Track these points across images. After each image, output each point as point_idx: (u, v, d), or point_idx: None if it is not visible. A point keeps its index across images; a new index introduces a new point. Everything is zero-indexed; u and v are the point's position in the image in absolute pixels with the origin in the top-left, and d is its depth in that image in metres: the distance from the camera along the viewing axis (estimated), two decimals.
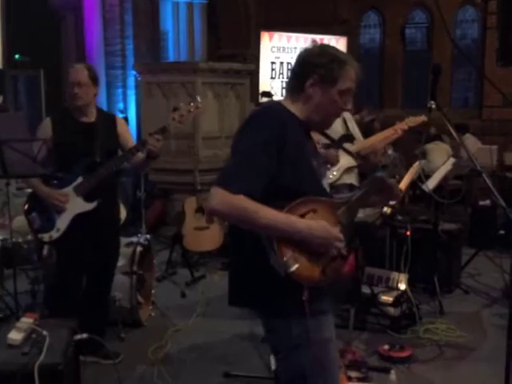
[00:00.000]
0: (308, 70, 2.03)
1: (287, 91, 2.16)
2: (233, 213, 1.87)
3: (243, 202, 1.85)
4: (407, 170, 4.15)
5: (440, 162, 5.64)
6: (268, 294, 1.98)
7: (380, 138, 4.40)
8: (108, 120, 3.75)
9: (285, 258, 1.88)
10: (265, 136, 1.93)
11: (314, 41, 2.20)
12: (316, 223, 1.93)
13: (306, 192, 1.97)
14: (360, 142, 4.51)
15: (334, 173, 4.35)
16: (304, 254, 1.91)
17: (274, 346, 2.12)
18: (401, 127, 4.29)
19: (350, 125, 4.39)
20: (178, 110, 3.60)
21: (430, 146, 8.12)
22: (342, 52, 2.12)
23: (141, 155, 3.60)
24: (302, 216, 1.94)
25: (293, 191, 1.95)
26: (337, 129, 4.33)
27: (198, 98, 3.70)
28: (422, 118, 4.25)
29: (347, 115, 4.51)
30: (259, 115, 2.04)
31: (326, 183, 2.16)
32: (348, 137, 4.36)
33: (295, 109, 2.08)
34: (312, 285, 1.94)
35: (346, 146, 4.48)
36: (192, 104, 3.64)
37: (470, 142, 8.83)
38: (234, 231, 2.09)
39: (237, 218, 1.89)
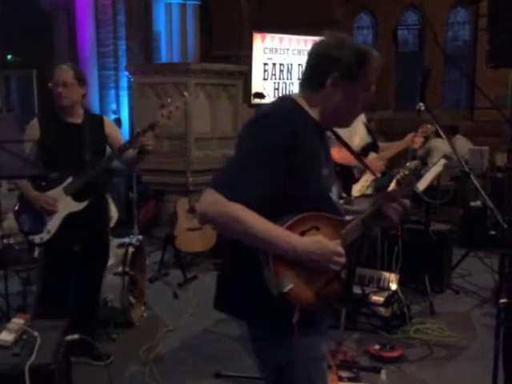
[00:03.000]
0: (328, 66, 1.84)
1: (302, 87, 1.93)
2: (223, 220, 1.70)
3: (237, 211, 1.68)
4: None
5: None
6: (258, 309, 1.84)
7: (401, 147, 4.42)
8: (95, 121, 3.74)
9: (279, 277, 1.71)
10: (273, 141, 1.74)
11: (327, 32, 1.93)
12: (310, 239, 1.75)
13: (311, 205, 1.80)
14: (386, 150, 4.49)
15: (365, 182, 4.33)
16: (300, 275, 1.75)
17: (260, 357, 2.01)
18: (417, 140, 4.31)
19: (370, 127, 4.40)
20: (165, 106, 3.58)
21: (434, 144, 8.18)
22: (360, 44, 1.94)
23: (132, 152, 3.59)
24: (303, 233, 1.76)
25: (297, 204, 1.78)
26: (363, 135, 4.35)
27: (186, 94, 3.68)
28: (432, 128, 4.29)
29: (364, 118, 4.49)
30: (270, 115, 1.82)
31: (335, 194, 1.96)
32: (373, 145, 4.36)
33: (311, 107, 1.89)
34: (304, 307, 1.78)
35: (372, 155, 4.47)
36: (180, 100, 3.60)
37: (461, 143, 8.88)
38: (231, 240, 1.88)
39: (226, 226, 1.72)
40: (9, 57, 9.79)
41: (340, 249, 1.78)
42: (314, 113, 1.89)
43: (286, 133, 1.76)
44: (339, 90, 1.85)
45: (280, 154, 1.74)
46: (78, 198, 3.57)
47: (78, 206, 3.58)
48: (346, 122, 2.00)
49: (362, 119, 4.40)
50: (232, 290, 1.91)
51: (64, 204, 3.54)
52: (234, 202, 1.68)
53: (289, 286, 1.71)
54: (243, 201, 1.69)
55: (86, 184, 3.53)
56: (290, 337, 1.78)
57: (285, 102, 1.92)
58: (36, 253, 4.03)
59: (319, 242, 1.75)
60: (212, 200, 1.70)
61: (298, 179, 1.78)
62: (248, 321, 1.95)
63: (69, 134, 3.58)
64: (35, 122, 3.63)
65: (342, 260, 1.78)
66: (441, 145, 8.06)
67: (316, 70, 1.87)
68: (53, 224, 3.53)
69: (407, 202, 1.99)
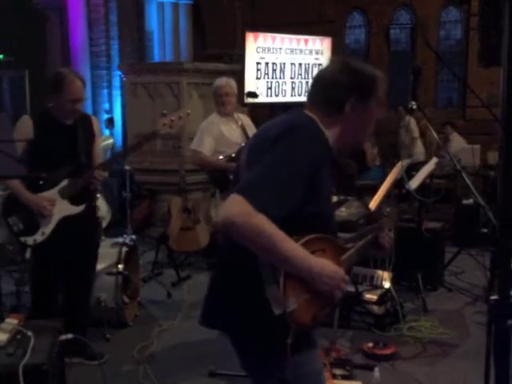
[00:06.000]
0: (344, 92, 1.87)
1: (315, 109, 1.91)
2: (249, 231, 1.64)
3: (265, 224, 1.64)
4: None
5: None
6: (254, 328, 1.81)
7: None
8: (86, 121, 3.69)
9: (286, 296, 1.68)
10: (310, 156, 1.75)
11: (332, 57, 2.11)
12: (327, 262, 1.76)
13: (321, 225, 1.83)
14: None
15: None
16: (304, 297, 1.73)
17: (254, 376, 1.98)
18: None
19: (249, 132, 4.40)
20: (166, 115, 3.61)
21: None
22: (365, 63, 1.99)
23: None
24: (312, 254, 1.76)
25: (310, 222, 1.79)
26: (237, 139, 4.43)
27: (189, 111, 3.74)
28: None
29: (246, 121, 4.63)
30: (305, 127, 1.83)
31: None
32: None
33: (327, 130, 1.89)
34: (300, 329, 1.76)
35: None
36: (182, 111, 3.68)
37: (457, 140, 8.96)
38: (230, 251, 1.86)
39: (250, 237, 1.66)
40: (0, 56, 9.74)
41: (347, 277, 1.79)
42: (331, 137, 1.90)
43: (316, 152, 1.78)
44: (358, 111, 1.89)
45: (309, 172, 1.74)
46: (74, 201, 3.54)
47: (75, 210, 3.56)
48: (363, 141, 2.05)
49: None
50: (227, 307, 1.87)
51: (60, 207, 3.50)
52: (261, 214, 1.64)
53: (293, 306, 1.69)
54: (269, 214, 1.65)
55: (83, 188, 3.51)
56: (286, 357, 1.76)
57: (310, 120, 1.89)
58: (28, 254, 3.97)
59: (333, 266, 1.76)
60: (241, 209, 1.64)
61: (316, 198, 1.79)
62: (242, 339, 1.91)
63: (63, 134, 3.53)
64: (27, 119, 3.53)
65: (346, 287, 1.79)
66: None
67: (332, 97, 1.89)
68: (47, 226, 3.49)
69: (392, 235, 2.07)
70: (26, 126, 3.48)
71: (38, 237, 3.48)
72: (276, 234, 1.66)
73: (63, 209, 3.51)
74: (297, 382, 1.82)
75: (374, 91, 1.91)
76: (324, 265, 1.74)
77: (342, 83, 1.87)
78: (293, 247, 1.68)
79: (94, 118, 3.84)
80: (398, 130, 8.66)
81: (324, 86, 1.92)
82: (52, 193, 3.50)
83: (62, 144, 3.50)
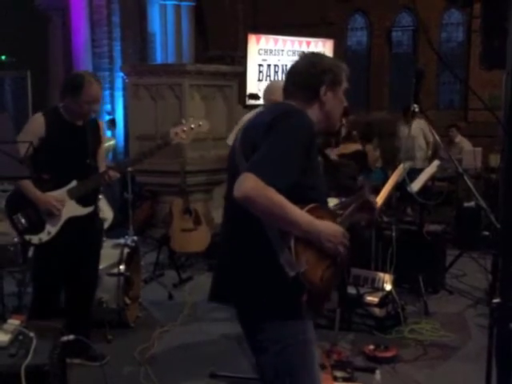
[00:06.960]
0: (318, 78, 2.14)
1: (297, 100, 2.16)
2: (263, 202, 1.87)
3: (275, 195, 1.88)
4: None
5: None
6: (267, 293, 2.01)
7: None
8: (93, 124, 3.72)
9: (298, 258, 1.91)
10: (304, 138, 2.00)
11: (299, 54, 2.31)
12: (329, 223, 2.03)
13: (315, 196, 2.06)
14: None
15: None
16: (312, 257, 1.96)
17: (260, 344, 2.12)
18: None
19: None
20: (179, 125, 3.66)
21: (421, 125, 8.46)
22: (330, 57, 2.31)
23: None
24: None
25: (306, 194, 2.02)
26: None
27: (201, 123, 3.77)
28: None
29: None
30: (295, 112, 2.07)
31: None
32: None
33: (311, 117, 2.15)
34: (311, 289, 1.97)
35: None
36: (194, 121, 3.71)
37: (465, 142, 8.97)
38: (237, 228, 2.10)
39: (265, 208, 1.89)
40: (3, 57, 9.75)
41: (346, 233, 2.06)
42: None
43: (312, 132, 2.04)
44: (330, 96, 2.16)
45: (306, 150, 2.00)
46: (82, 202, 3.56)
47: (83, 211, 3.58)
48: (336, 125, 2.28)
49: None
50: (243, 279, 2.06)
51: (68, 207, 3.51)
52: (270, 187, 1.88)
53: (304, 267, 1.91)
54: (277, 187, 1.89)
55: (91, 189, 3.56)
56: (296, 319, 2.04)
57: (295, 106, 2.12)
58: (30, 253, 4.00)
59: (334, 225, 2.04)
60: (254, 184, 1.87)
61: (311, 173, 2.04)
62: (254, 307, 2.07)
63: (73, 135, 3.55)
64: (40, 117, 3.50)
65: (347, 242, 2.05)
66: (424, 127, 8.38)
67: (308, 84, 2.15)
68: (53, 226, 3.49)
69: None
70: (38, 123, 3.48)
71: (44, 236, 3.49)
72: (285, 203, 1.90)
73: (71, 209, 3.53)
74: (299, 347, 2.06)
75: (342, 79, 2.19)
76: (327, 225, 2.01)
77: (315, 72, 2.14)
78: (300, 213, 1.94)
79: (100, 123, 3.88)
80: (400, 130, 8.63)
81: (300, 76, 2.17)
82: (61, 193, 3.50)
83: (72, 144, 3.52)
